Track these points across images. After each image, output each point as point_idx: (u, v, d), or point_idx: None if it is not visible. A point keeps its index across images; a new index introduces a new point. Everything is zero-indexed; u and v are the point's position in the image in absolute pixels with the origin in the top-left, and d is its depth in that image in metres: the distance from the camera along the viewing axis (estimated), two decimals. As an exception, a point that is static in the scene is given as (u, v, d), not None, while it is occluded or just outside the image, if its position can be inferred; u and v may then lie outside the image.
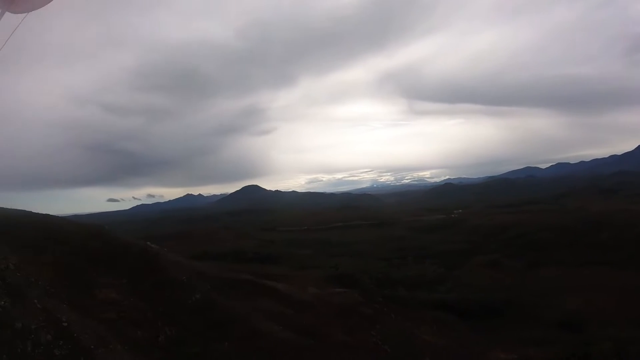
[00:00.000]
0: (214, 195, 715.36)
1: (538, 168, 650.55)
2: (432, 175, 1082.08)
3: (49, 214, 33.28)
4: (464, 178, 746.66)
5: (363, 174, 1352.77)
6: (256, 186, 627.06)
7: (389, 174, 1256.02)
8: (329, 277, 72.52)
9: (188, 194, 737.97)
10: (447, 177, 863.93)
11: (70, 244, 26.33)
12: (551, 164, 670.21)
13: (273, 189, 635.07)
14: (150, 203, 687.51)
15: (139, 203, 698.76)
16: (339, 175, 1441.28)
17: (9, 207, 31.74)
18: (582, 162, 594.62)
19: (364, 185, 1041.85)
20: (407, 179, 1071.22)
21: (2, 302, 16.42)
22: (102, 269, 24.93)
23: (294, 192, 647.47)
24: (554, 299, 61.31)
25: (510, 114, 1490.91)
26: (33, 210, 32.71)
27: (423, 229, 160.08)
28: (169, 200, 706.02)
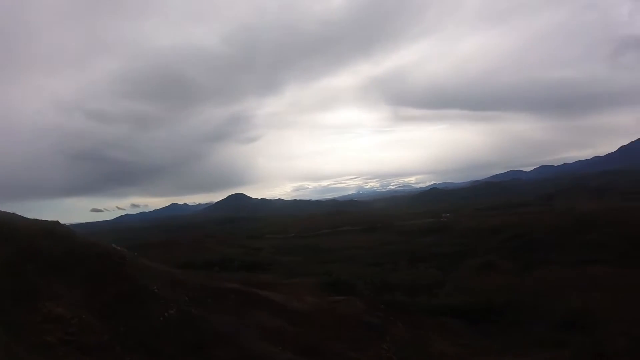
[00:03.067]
0: (200, 204, 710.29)
1: (522, 171, 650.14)
2: (417, 181, 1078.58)
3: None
4: (450, 183, 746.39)
5: (349, 181, 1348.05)
6: (242, 194, 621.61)
7: (374, 180, 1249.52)
8: (323, 284, 68.53)
9: (173, 203, 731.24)
10: (433, 182, 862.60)
11: (16, 244, 22.06)
12: (535, 167, 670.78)
13: (259, 197, 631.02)
14: (134, 213, 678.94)
15: (124, 213, 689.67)
16: (324, 183, 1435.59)
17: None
18: (565, 164, 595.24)
19: (349, 192, 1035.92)
20: (392, 185, 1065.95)
21: None
22: (52, 275, 20.73)
23: (279, 199, 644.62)
24: (555, 299, 58.44)
25: (495, 119, 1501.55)
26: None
27: (413, 232, 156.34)
28: (154, 210, 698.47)
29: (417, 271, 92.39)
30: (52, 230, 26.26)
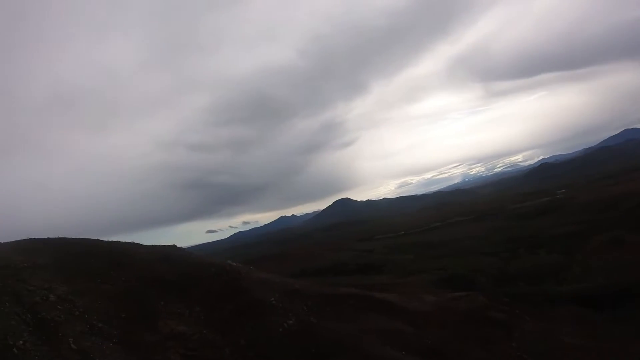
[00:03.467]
0: (307, 214, 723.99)
1: (638, 129, 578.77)
2: (524, 158, 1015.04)
3: (119, 241, 29.86)
4: (559, 155, 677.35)
5: (452, 169, 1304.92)
6: (347, 199, 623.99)
7: (479, 164, 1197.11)
8: (440, 281, 66.08)
9: (282, 216, 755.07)
10: (541, 157, 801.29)
11: (136, 269, 22.87)
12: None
13: (364, 199, 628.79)
14: (246, 229, 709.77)
15: (236, 231, 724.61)
16: (428, 175, 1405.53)
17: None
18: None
19: (455, 181, 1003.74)
20: (499, 167, 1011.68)
21: (21, 342, 12.75)
22: (170, 295, 21.06)
23: (385, 199, 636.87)
24: None
25: (594, 75, 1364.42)
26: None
27: (528, 215, 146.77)
28: (264, 225, 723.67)
29: (538, 257, 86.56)
30: (169, 254, 27.15)
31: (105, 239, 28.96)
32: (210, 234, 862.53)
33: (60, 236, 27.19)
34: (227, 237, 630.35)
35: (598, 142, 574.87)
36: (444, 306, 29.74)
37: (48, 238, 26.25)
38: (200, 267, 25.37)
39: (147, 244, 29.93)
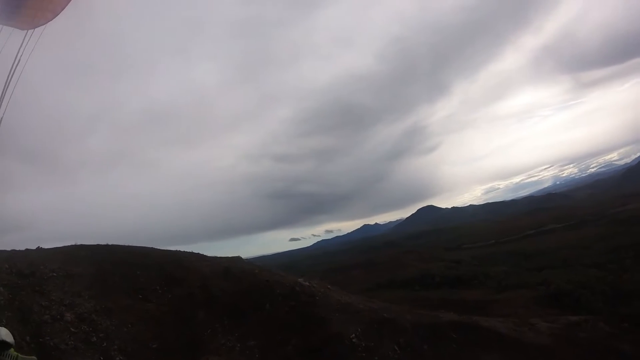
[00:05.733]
0: (390, 222, 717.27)
1: None
2: (620, 156, 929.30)
3: (179, 250, 26.89)
4: None
5: (542, 172, 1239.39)
6: (431, 206, 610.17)
7: (571, 165, 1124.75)
8: (541, 298, 60.13)
9: (365, 225, 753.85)
10: (639, 153, 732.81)
11: (189, 285, 20.08)
12: None
13: (449, 206, 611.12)
14: (329, 238, 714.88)
15: (319, 239, 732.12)
16: (516, 179, 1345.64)
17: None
18: None
19: (545, 185, 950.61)
20: (593, 167, 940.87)
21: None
22: (222, 320, 17.93)
23: (471, 205, 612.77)
24: None
25: None
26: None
27: (632, 220, 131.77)
28: (347, 233, 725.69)
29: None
30: (229, 268, 23.49)
31: (175, 248, 26.95)
32: (293, 241, 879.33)
33: (130, 244, 24.50)
34: (310, 245, 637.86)
35: None
36: (561, 336, 25.72)
37: (98, 245, 23.56)
38: (263, 287, 21.52)
39: (211, 255, 26.66)
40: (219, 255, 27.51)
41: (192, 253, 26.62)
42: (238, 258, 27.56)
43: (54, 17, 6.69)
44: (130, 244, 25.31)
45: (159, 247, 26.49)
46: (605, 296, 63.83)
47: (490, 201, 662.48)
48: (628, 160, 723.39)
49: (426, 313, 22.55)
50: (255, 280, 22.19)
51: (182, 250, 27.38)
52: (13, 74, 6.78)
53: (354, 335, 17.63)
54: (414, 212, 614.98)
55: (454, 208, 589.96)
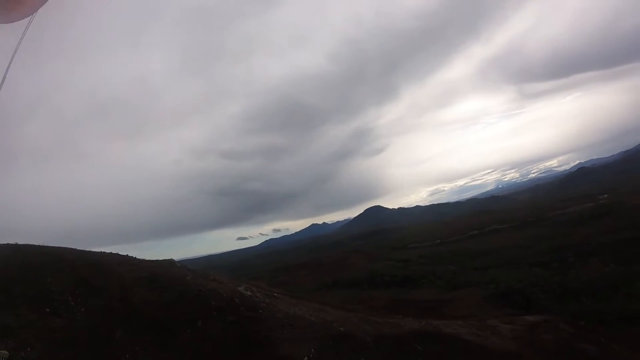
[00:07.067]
0: (338, 222, 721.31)
1: None
2: (560, 163, 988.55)
3: (103, 252, 23.24)
4: (597, 159, 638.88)
5: (486, 176, 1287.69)
6: (379, 206, 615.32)
7: (513, 170, 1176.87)
8: (493, 297, 59.22)
9: (313, 224, 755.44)
10: (577, 161, 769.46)
11: (108, 296, 16.68)
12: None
13: (396, 207, 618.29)
14: (277, 237, 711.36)
15: (267, 238, 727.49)
16: (461, 182, 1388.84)
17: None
18: None
19: (488, 188, 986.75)
20: (533, 173, 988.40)
21: None
22: (145, 340, 14.51)
23: (417, 206, 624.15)
24: None
25: (630, 73, 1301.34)
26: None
27: (572, 222, 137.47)
28: (295, 232, 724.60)
29: (592, 268, 78.18)
30: (155, 275, 19.73)
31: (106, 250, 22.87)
32: (240, 240, 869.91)
33: (46, 244, 20.60)
34: (258, 244, 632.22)
35: (638, 144, 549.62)
36: (526, 340, 23.55)
37: (6, 244, 19.88)
38: (197, 298, 17.92)
39: (140, 257, 23.28)
40: (159, 257, 23.92)
41: (115, 255, 22.91)
42: (170, 261, 23.81)
43: (32, 13, 6.51)
44: (45, 244, 21.06)
45: (95, 248, 22.64)
46: (554, 294, 63.89)
47: (435, 202, 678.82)
48: (567, 167, 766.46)
49: (385, 321, 19.55)
50: (187, 290, 18.51)
51: (111, 252, 23.54)
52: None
53: (306, 357, 14.49)
54: (361, 212, 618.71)
55: (400, 209, 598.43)
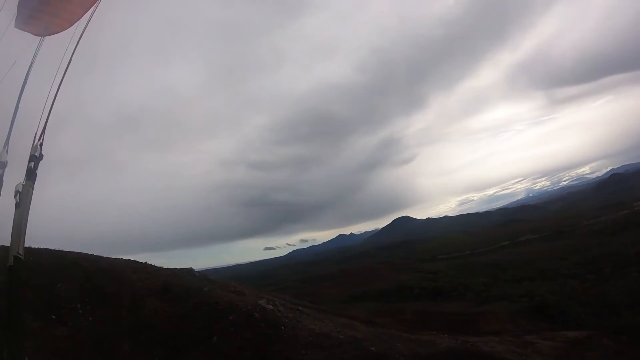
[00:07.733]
0: (366, 232, 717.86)
1: None
2: (592, 170, 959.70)
3: (120, 258, 21.95)
4: (630, 164, 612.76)
5: (516, 185, 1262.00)
6: (406, 217, 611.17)
7: (543, 178, 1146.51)
8: (527, 311, 56.86)
9: (340, 235, 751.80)
10: (610, 167, 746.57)
11: (119, 304, 15.63)
12: None
13: (424, 217, 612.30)
14: (304, 247, 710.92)
15: (294, 248, 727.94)
16: (490, 191, 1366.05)
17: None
18: None
19: (519, 197, 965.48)
20: (565, 180, 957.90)
21: None
22: (154, 356, 13.52)
23: (446, 216, 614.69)
24: None
25: None
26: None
27: (607, 231, 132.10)
28: (322, 243, 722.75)
29: (631, 279, 74.65)
30: (169, 284, 18.44)
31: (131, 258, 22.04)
32: (267, 250, 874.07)
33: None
34: (285, 255, 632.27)
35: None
36: (570, 358, 22.03)
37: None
38: (214, 310, 16.52)
39: (167, 266, 22.51)
40: (185, 266, 23.05)
41: (133, 262, 21.82)
42: (188, 270, 22.81)
43: (70, 26, 6.66)
44: (56, 248, 20.39)
45: (123, 256, 21.93)
46: (592, 307, 61.01)
47: (464, 212, 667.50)
48: (599, 173, 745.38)
49: (418, 338, 18.26)
50: (202, 302, 17.09)
51: (129, 259, 22.71)
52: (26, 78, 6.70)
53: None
54: (389, 222, 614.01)
55: (428, 219, 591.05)
